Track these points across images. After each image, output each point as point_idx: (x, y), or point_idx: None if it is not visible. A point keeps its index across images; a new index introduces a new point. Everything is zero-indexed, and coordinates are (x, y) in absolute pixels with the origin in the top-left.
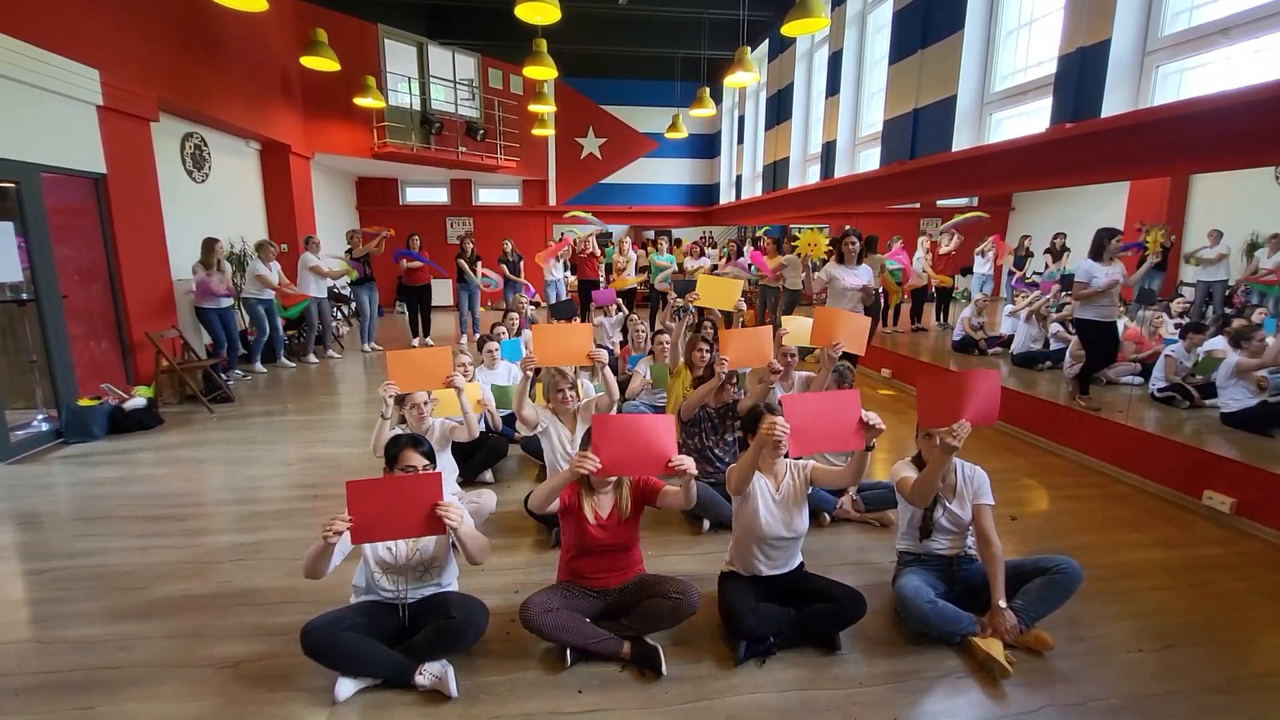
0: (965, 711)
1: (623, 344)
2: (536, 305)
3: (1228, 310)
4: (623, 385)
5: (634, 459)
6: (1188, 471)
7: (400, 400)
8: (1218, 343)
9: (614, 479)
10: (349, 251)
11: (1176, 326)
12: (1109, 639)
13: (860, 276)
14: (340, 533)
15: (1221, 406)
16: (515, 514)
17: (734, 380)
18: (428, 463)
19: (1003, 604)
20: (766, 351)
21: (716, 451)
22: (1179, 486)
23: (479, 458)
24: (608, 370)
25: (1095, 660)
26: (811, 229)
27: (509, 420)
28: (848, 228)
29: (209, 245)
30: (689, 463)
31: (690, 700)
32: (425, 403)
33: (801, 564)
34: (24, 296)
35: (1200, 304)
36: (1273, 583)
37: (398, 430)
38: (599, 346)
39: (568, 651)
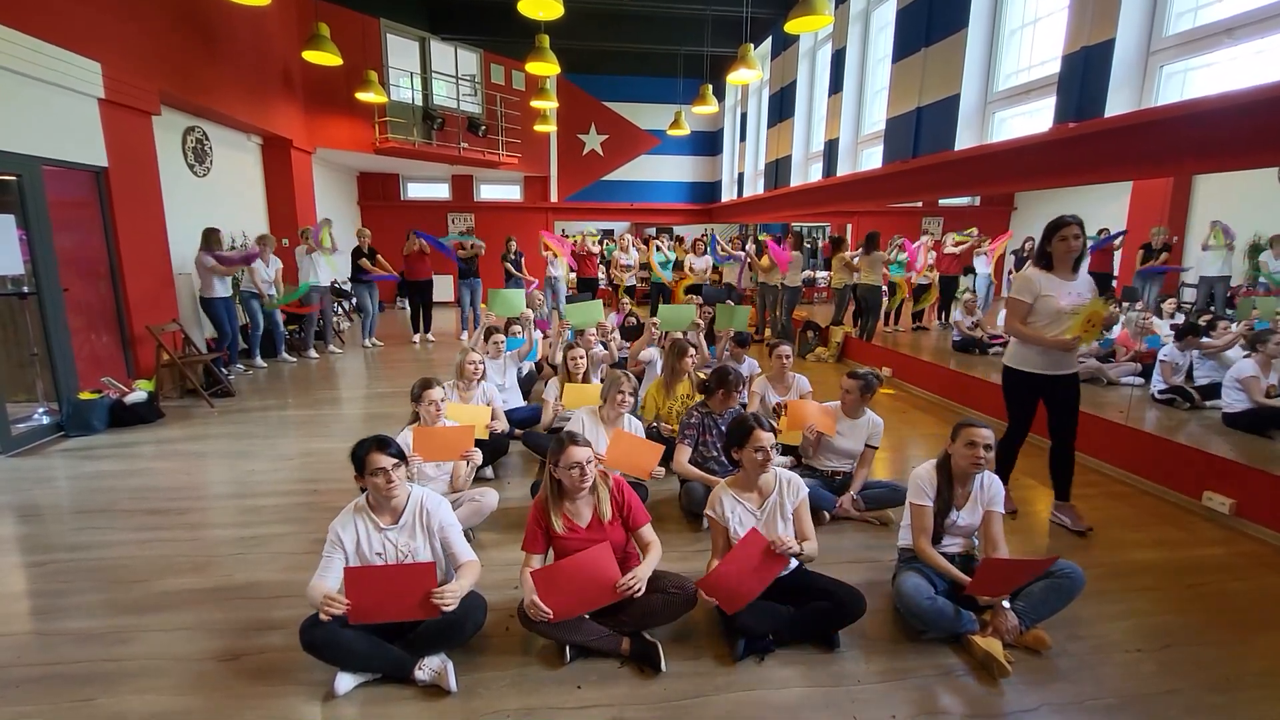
0: (963, 709)
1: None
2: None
3: (1229, 310)
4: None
5: (584, 597)
6: (1187, 472)
7: (416, 398)
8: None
9: (589, 485)
10: (357, 249)
11: (1172, 328)
12: (1107, 638)
13: (1080, 291)
14: (336, 615)
15: (1224, 406)
16: (516, 511)
17: (740, 386)
18: (397, 461)
19: (1005, 604)
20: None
21: (723, 459)
22: (1178, 487)
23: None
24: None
25: (1093, 659)
26: (1096, 299)
27: (507, 415)
28: (1067, 216)
29: (210, 235)
30: (638, 584)
31: (689, 697)
32: (441, 400)
33: (800, 563)
34: (25, 289)
35: (1203, 302)
36: (1271, 583)
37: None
38: (600, 344)
39: (566, 647)
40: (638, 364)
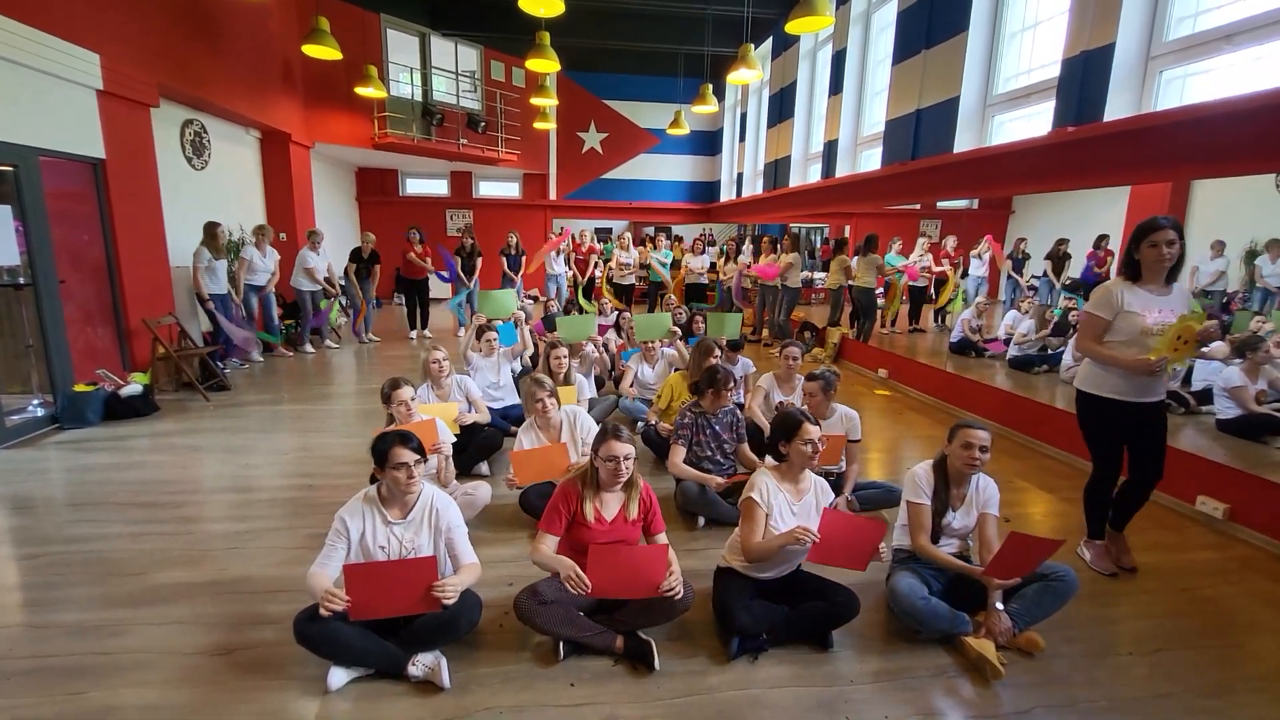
0: (956, 711)
1: (618, 339)
2: (535, 299)
3: (1225, 317)
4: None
5: (626, 584)
6: (1181, 477)
7: (386, 399)
8: (1215, 347)
9: (624, 481)
10: (357, 250)
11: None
12: (1100, 641)
13: (1175, 307)
14: (336, 611)
15: (1217, 413)
16: (510, 506)
17: (731, 384)
18: (418, 457)
19: (999, 606)
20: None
21: (718, 458)
22: (1172, 491)
23: (473, 451)
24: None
25: (1086, 662)
26: (1189, 314)
27: (503, 413)
28: (1160, 218)
29: (211, 230)
30: (678, 587)
31: (682, 695)
32: (412, 399)
33: (799, 563)
34: (21, 281)
35: None
36: (1263, 588)
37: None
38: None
39: (560, 644)
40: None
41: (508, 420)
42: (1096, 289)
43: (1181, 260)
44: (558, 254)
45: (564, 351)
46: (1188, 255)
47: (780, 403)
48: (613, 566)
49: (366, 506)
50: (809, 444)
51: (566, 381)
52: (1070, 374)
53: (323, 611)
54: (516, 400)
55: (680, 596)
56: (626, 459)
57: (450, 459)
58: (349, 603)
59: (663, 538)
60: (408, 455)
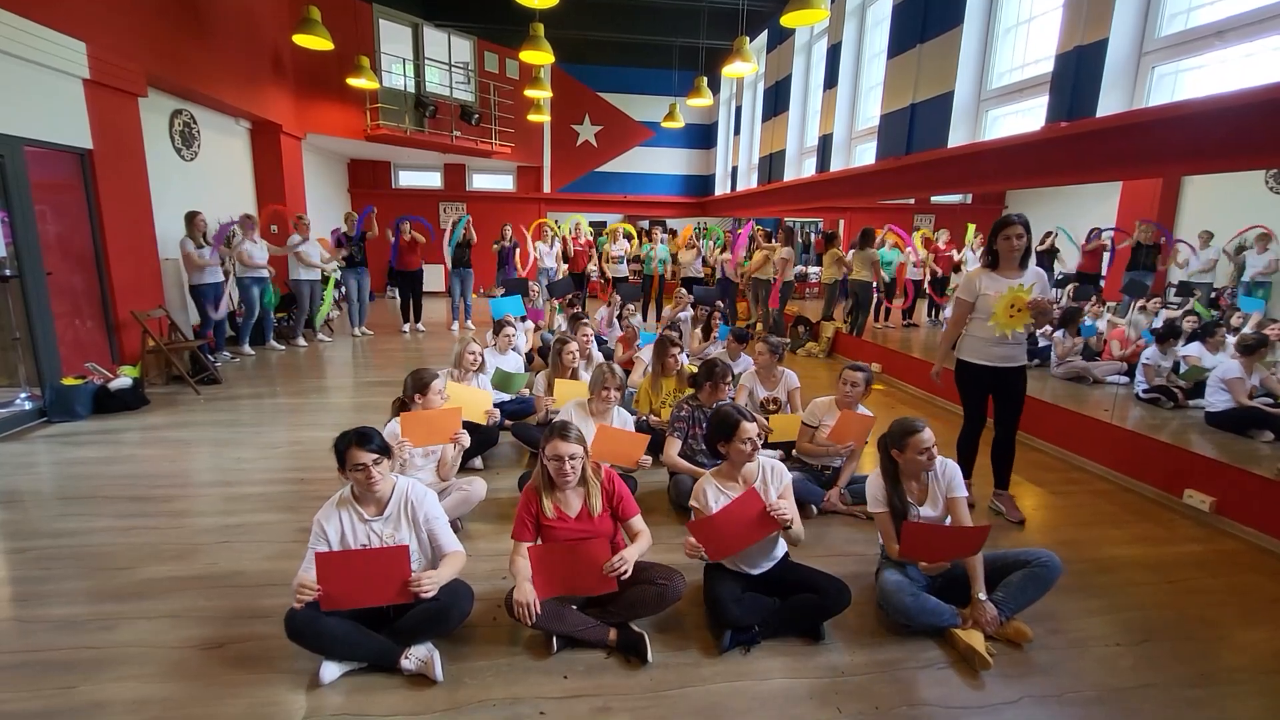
0: (945, 701)
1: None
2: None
3: (1213, 313)
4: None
5: (570, 579)
6: (1169, 470)
7: (423, 390)
8: (1194, 349)
9: (572, 481)
10: (345, 235)
11: (1153, 331)
12: (1087, 633)
13: (1026, 284)
14: (307, 602)
15: (1208, 406)
16: (505, 501)
17: (729, 378)
18: (378, 456)
19: (983, 596)
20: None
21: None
22: (1160, 485)
23: (471, 446)
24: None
25: (1073, 653)
26: (1015, 286)
27: (499, 408)
28: (1013, 215)
29: (190, 217)
30: (625, 566)
31: (674, 687)
32: (441, 392)
33: (786, 555)
34: (7, 272)
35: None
36: (1248, 581)
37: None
38: (597, 339)
39: (553, 637)
40: (629, 362)
41: (503, 414)
42: (963, 278)
43: (1028, 250)
44: (550, 247)
45: (574, 347)
46: (1178, 249)
47: (764, 399)
48: (556, 565)
49: (341, 509)
50: (747, 442)
51: (574, 377)
52: (1060, 369)
53: (295, 603)
54: (514, 395)
55: (626, 575)
56: (572, 459)
57: (460, 452)
58: (319, 592)
59: (638, 521)
60: (365, 456)
